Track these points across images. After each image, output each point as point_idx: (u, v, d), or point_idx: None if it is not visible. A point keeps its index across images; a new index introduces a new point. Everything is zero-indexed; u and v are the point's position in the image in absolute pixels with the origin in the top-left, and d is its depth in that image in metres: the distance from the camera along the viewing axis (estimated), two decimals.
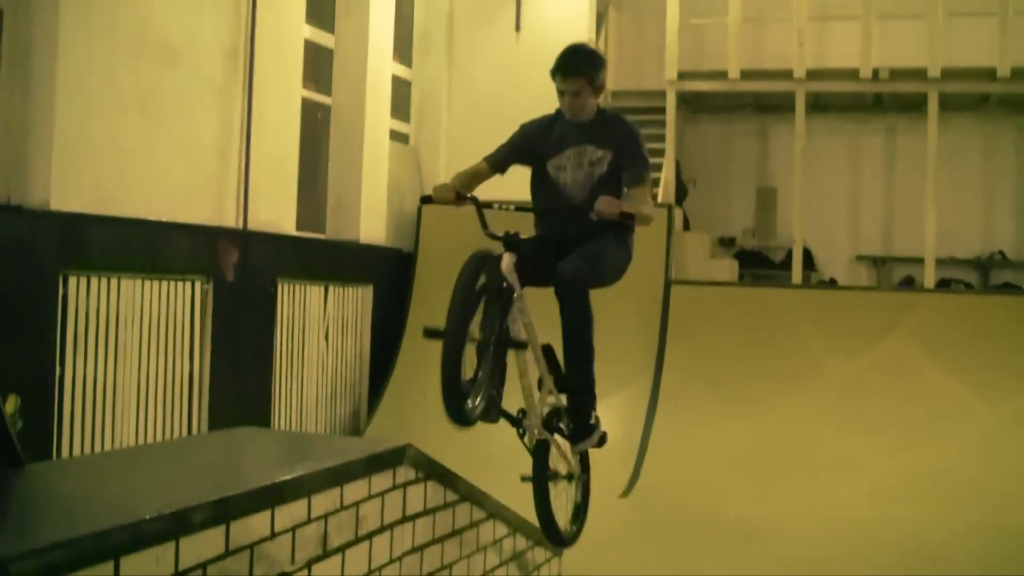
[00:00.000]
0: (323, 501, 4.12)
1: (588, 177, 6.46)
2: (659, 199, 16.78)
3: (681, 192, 17.95)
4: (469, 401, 5.58)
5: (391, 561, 4.70)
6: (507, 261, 5.97)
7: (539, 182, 6.68)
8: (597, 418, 6.48)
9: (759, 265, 19.60)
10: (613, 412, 13.74)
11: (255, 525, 3.75)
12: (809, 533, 11.34)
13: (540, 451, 6.39)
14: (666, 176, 17.18)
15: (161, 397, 10.99)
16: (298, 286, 13.41)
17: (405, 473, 4.77)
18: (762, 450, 13.64)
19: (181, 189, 11.47)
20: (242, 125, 12.41)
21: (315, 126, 14.82)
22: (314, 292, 13.78)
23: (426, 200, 6.70)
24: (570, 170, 6.50)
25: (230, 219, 12.34)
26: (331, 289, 14.16)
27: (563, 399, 6.52)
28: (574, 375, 6.35)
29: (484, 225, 6.31)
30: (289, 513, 3.92)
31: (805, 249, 18.02)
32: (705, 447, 13.74)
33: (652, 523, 11.77)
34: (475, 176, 6.70)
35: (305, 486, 4.01)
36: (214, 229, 11.97)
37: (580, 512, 6.90)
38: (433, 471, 5.07)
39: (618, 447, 13.41)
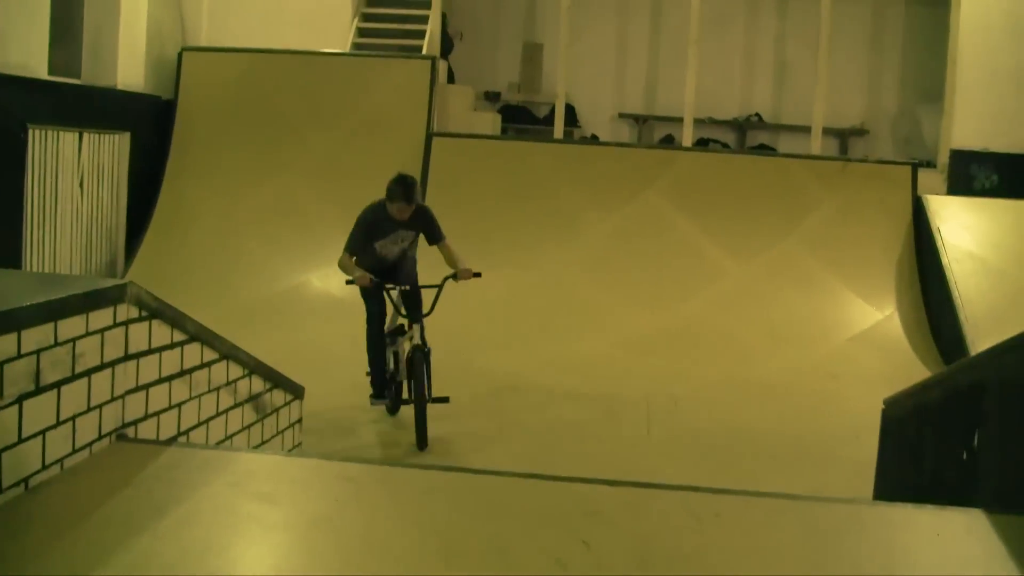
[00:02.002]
0: (34, 336, 4.04)
1: (401, 249, 9.80)
2: (424, 51, 16.69)
3: (446, 45, 17.83)
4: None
5: (113, 399, 4.66)
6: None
7: (363, 250, 9.55)
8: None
9: (523, 120, 19.71)
10: None
11: None
12: (559, 384, 11.61)
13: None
14: (431, 28, 17.04)
15: None
16: (51, 132, 12.98)
17: (127, 311, 4.70)
18: (519, 304, 13.87)
19: None
20: None
21: None
22: (68, 139, 13.35)
23: (350, 283, 9.49)
24: (388, 246, 9.66)
25: None
26: (86, 136, 13.75)
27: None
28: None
29: (397, 307, 9.69)
30: None
31: (569, 105, 18.18)
32: (462, 300, 13.85)
33: None
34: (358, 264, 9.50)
35: (13, 320, 3.93)
36: None
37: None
38: (159, 310, 5.01)
39: None
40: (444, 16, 17.60)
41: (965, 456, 5.18)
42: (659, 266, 14.37)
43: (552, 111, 17.79)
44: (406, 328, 9.61)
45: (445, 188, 14.91)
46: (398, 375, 9.80)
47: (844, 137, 19.25)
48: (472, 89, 18.13)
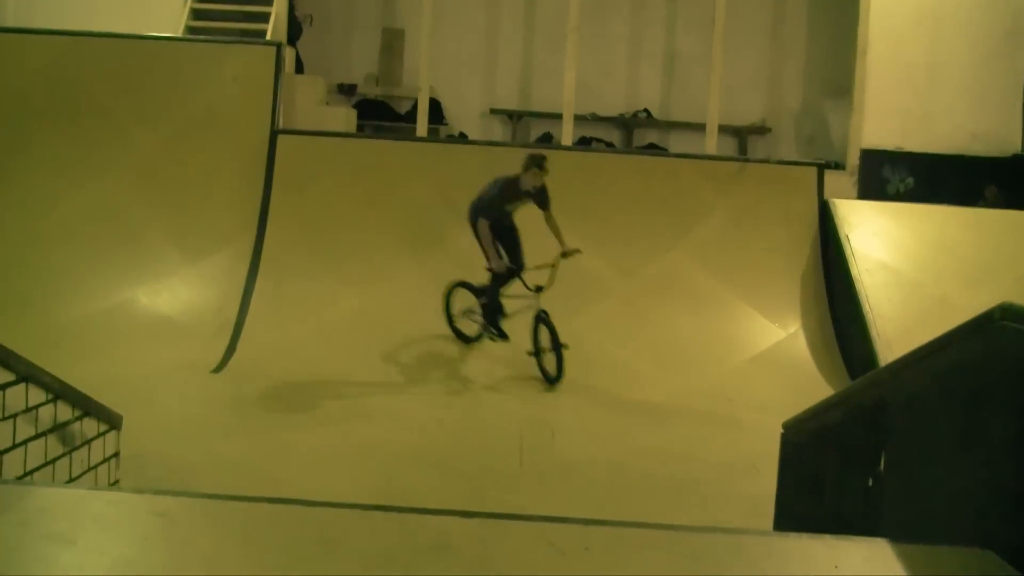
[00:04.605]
0: None
1: (516, 210, 12.98)
2: (268, 36, 16.53)
3: (294, 30, 17.72)
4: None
5: None
6: None
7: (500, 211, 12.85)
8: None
9: (381, 116, 19.64)
10: (206, 278, 13.72)
11: None
12: (419, 413, 11.54)
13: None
14: (276, 11, 16.89)
15: None
16: None
17: None
18: (374, 324, 13.77)
19: None
20: None
21: None
22: None
23: (490, 270, 12.78)
24: (513, 208, 12.94)
25: None
26: None
27: None
28: None
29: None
30: None
31: (433, 100, 18.14)
32: (311, 319, 13.77)
33: (247, 401, 11.73)
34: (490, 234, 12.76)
35: None
36: None
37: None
38: None
39: (211, 317, 13.41)
40: None
41: (870, 483, 5.20)
42: (535, 281, 14.32)
43: (414, 106, 17.78)
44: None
45: (291, 192, 14.77)
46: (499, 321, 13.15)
47: (742, 136, 19.50)
48: (323, 81, 18.00)
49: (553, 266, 12.74)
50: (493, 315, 13.17)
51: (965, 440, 4.31)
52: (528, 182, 12.64)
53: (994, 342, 4.12)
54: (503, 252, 12.88)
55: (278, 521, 4.13)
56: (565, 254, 12.78)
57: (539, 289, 12.72)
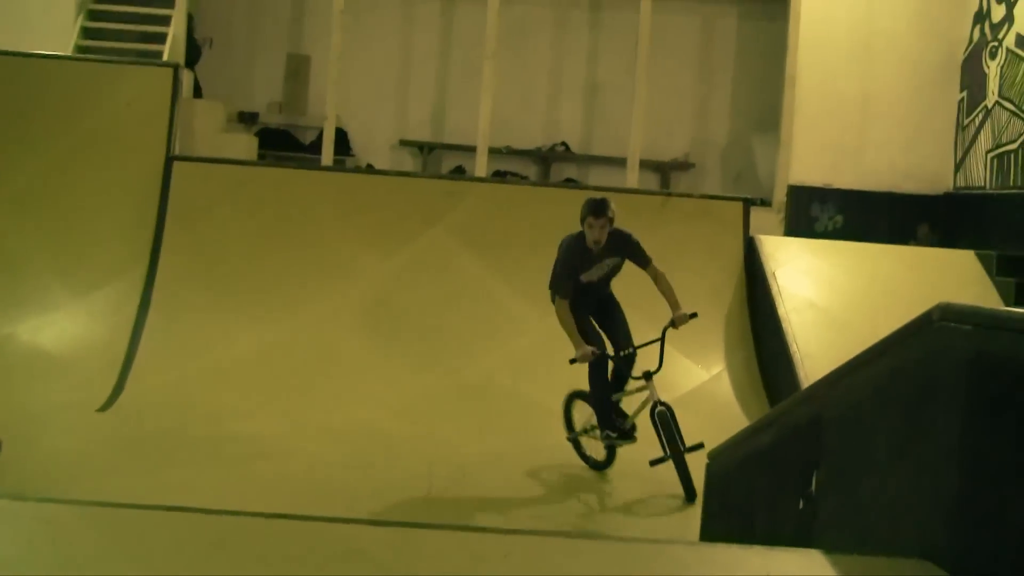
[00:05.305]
0: None
1: (604, 276, 11.15)
2: (165, 56, 16.41)
3: (193, 52, 17.65)
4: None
5: None
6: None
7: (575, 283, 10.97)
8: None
9: (285, 146, 19.56)
10: (93, 313, 13.56)
11: None
12: (323, 455, 11.44)
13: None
14: (175, 31, 16.81)
15: None
16: None
17: None
18: (277, 361, 13.68)
19: None
20: None
21: None
22: None
23: (573, 362, 10.82)
24: (594, 274, 11.04)
25: None
26: None
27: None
28: None
29: (620, 371, 11.17)
30: None
31: (340, 130, 18.11)
32: (208, 356, 13.64)
33: (137, 440, 11.59)
34: (571, 314, 10.86)
35: None
36: None
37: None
38: None
39: (99, 353, 13.27)
40: (191, 17, 17.41)
41: (802, 505, 5.22)
42: (447, 318, 14.30)
43: (319, 137, 17.74)
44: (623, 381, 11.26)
45: (188, 223, 14.64)
46: (620, 422, 11.18)
47: (665, 171, 19.59)
48: (223, 106, 17.89)
49: (661, 340, 10.87)
50: (607, 416, 11.10)
51: (904, 447, 4.33)
52: (590, 238, 10.67)
53: (933, 344, 4.16)
54: (601, 333, 11.05)
55: (174, 528, 4.07)
56: (674, 323, 10.87)
57: (648, 375, 10.75)
